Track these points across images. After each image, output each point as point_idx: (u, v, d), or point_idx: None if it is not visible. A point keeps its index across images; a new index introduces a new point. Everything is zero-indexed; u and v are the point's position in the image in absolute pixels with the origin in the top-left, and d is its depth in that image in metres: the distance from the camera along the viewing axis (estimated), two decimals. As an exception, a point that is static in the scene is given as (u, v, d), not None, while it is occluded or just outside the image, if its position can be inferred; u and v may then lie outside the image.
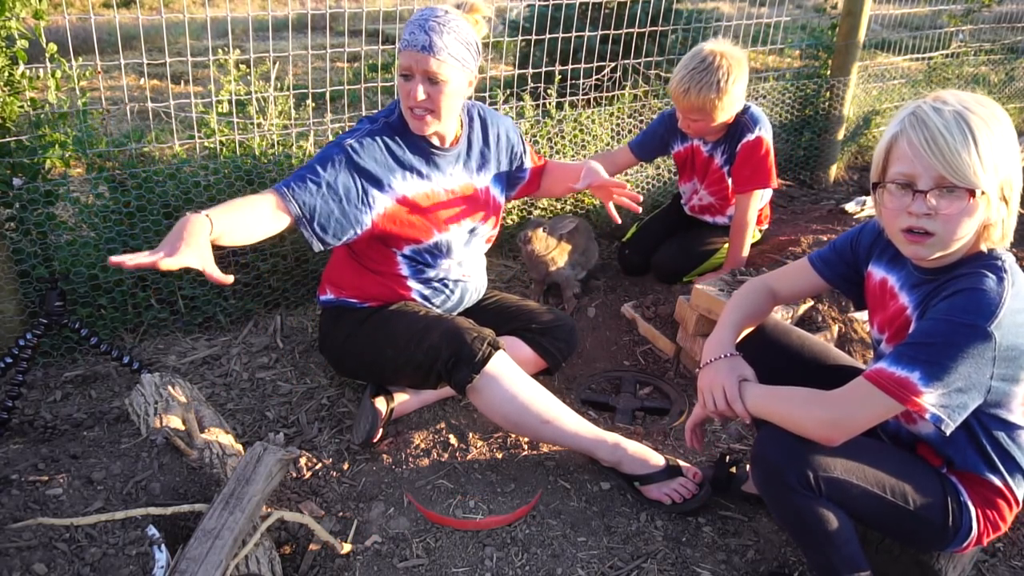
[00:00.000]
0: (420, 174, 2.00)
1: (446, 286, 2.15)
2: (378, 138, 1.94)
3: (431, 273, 2.11)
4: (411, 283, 2.11)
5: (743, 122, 2.66)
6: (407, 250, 2.05)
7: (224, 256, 2.64)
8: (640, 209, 2.10)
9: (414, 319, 2.01)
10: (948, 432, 1.31)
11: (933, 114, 1.28)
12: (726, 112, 2.55)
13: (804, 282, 1.72)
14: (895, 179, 1.33)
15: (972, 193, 1.27)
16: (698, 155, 2.81)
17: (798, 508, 1.43)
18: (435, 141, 2.00)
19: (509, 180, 2.26)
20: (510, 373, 1.92)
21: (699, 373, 1.64)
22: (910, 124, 1.30)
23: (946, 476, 1.49)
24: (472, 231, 2.13)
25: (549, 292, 2.83)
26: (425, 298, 2.14)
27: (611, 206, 2.11)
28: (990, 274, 1.30)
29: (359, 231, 1.95)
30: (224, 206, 1.70)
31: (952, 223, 1.29)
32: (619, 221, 2.19)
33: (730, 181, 2.74)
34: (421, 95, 1.85)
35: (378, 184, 1.93)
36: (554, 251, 2.72)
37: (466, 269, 2.17)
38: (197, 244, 1.50)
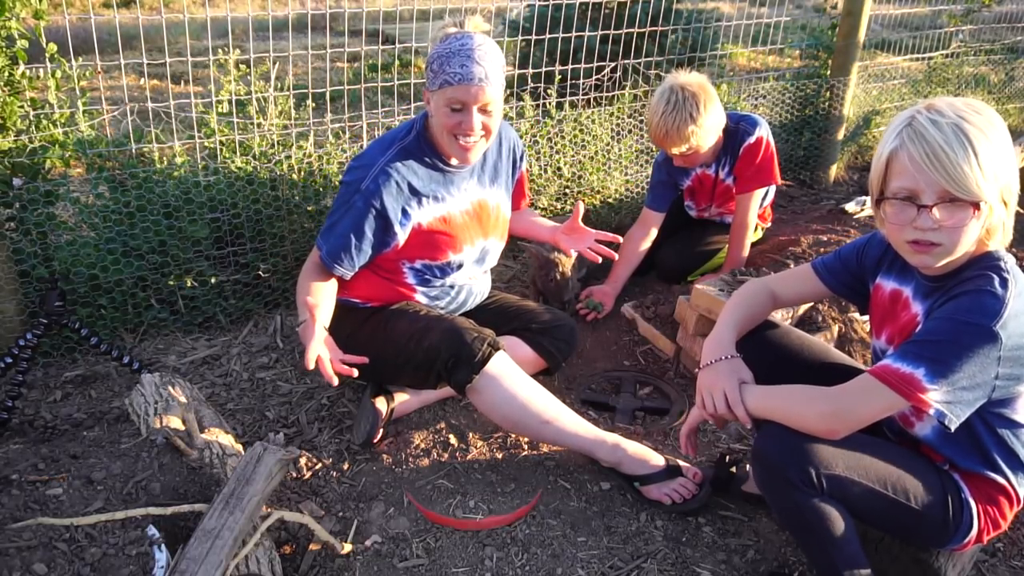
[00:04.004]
0: (436, 198, 2.00)
1: (452, 288, 2.16)
2: (393, 171, 1.93)
3: (438, 282, 2.12)
4: (417, 287, 2.12)
5: (738, 130, 2.67)
6: (418, 264, 2.06)
7: (224, 256, 2.64)
8: (603, 310, 2.30)
9: (414, 319, 2.01)
10: (952, 427, 1.32)
11: (931, 127, 1.28)
12: (711, 136, 2.57)
13: (807, 288, 1.72)
14: (897, 194, 1.33)
15: (976, 205, 1.28)
16: (706, 180, 2.82)
17: (799, 505, 1.43)
18: (452, 160, 1.99)
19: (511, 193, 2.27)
20: (510, 373, 1.92)
21: (698, 374, 1.64)
22: (908, 138, 1.30)
23: (947, 472, 1.49)
24: (484, 249, 2.15)
25: (547, 297, 2.81)
26: (430, 299, 2.14)
27: (587, 250, 2.07)
28: (994, 276, 1.32)
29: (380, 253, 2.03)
30: (321, 303, 1.90)
31: (957, 234, 1.31)
32: (599, 261, 2.08)
33: (734, 187, 2.75)
34: (479, 128, 1.86)
35: (398, 218, 1.96)
36: (571, 267, 2.70)
37: (472, 273, 2.18)
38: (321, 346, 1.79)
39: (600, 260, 2.08)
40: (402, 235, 1.98)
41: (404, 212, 1.96)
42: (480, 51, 1.81)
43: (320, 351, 1.76)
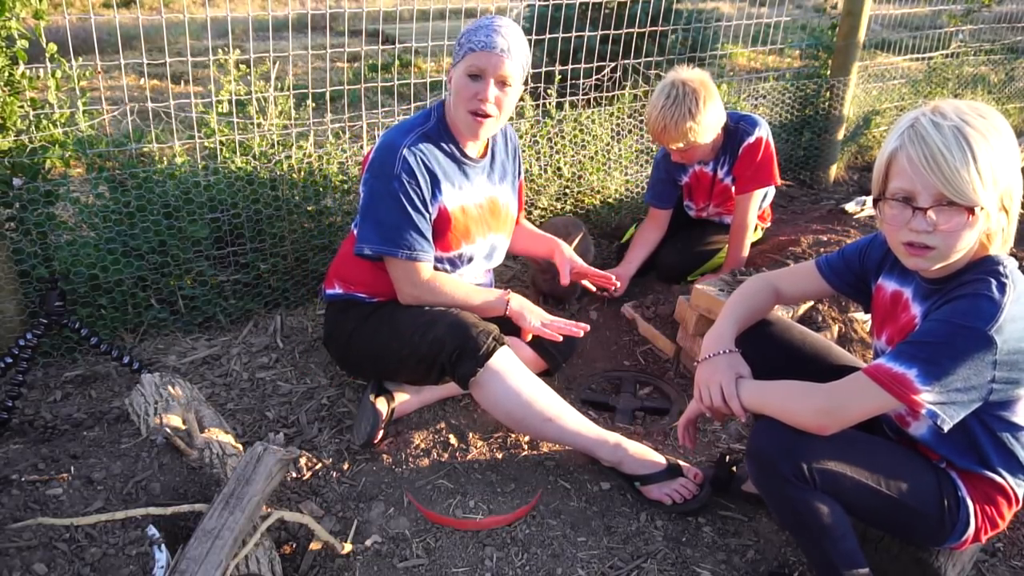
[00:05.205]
0: (453, 184, 2.03)
1: None
2: (418, 151, 1.95)
3: None
4: None
5: (738, 130, 2.68)
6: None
7: (224, 256, 2.64)
8: (617, 290, 2.39)
9: (419, 312, 2.01)
10: (945, 428, 1.32)
11: (932, 129, 1.28)
12: (709, 133, 2.57)
13: (810, 285, 1.73)
14: (895, 195, 1.34)
15: (971, 210, 1.28)
16: (703, 178, 2.82)
17: (792, 500, 1.43)
18: (470, 152, 2.04)
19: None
20: (514, 369, 1.92)
21: (697, 367, 1.65)
22: (909, 139, 1.30)
23: (944, 471, 1.50)
24: (493, 245, 2.17)
25: (549, 297, 2.81)
26: None
27: (585, 283, 2.33)
28: (992, 281, 1.31)
29: None
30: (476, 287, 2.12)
31: (952, 238, 1.31)
32: (595, 291, 2.45)
33: (733, 187, 2.75)
34: (493, 98, 1.90)
35: (430, 194, 1.97)
36: None
37: (479, 270, 2.19)
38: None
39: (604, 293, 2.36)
40: (433, 213, 1.99)
41: (435, 191, 1.99)
42: (505, 28, 1.89)
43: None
